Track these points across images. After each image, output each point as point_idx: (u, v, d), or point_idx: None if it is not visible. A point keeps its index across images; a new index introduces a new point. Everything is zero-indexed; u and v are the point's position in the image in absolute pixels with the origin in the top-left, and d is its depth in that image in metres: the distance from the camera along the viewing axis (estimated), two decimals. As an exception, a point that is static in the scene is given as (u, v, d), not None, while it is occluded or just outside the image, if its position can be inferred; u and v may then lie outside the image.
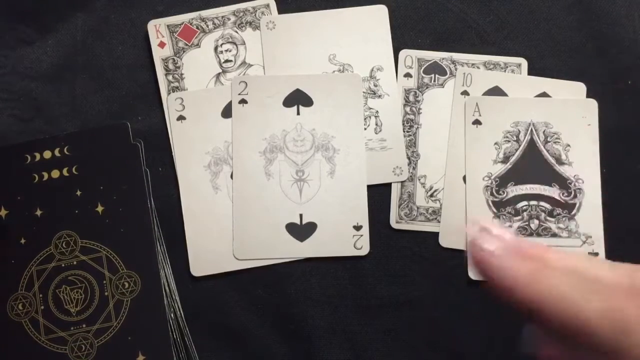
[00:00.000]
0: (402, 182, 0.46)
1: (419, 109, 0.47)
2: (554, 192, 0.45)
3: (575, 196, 0.45)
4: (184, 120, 0.46)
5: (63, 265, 0.43)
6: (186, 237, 0.45)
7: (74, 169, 0.45)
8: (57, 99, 0.47)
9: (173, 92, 0.47)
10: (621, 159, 0.46)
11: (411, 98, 0.47)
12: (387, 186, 0.46)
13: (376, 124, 0.46)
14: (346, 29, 0.47)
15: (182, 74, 0.47)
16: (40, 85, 0.47)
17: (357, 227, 0.45)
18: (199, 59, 0.47)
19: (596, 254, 0.44)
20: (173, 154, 0.46)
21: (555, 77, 0.47)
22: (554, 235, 0.45)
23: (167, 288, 0.44)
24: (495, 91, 0.47)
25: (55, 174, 0.44)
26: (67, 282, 0.43)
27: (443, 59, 0.47)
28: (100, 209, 0.44)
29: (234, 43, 0.47)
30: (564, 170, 0.46)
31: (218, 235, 0.45)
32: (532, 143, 0.46)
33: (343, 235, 0.45)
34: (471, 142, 0.46)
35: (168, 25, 0.47)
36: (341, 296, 0.45)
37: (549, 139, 0.46)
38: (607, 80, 0.47)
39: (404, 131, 0.46)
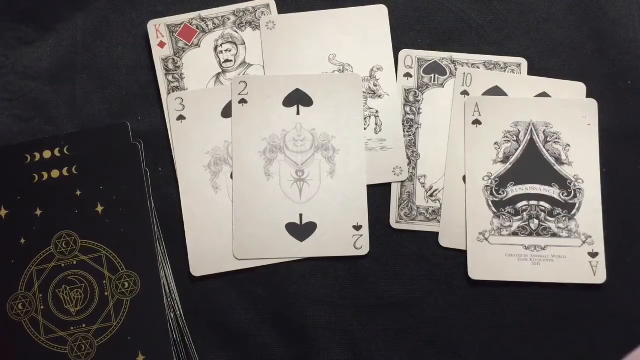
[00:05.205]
0: (402, 182, 0.46)
1: (419, 109, 0.47)
2: (554, 192, 0.45)
3: (575, 196, 0.45)
4: (184, 120, 0.46)
5: (63, 265, 0.43)
6: (186, 237, 0.45)
7: (74, 169, 0.45)
8: (57, 99, 0.47)
9: (173, 92, 0.47)
10: (621, 159, 0.46)
11: (411, 98, 0.47)
12: (387, 186, 0.46)
13: (376, 124, 0.46)
14: (346, 29, 0.47)
15: (182, 74, 0.47)
16: (40, 85, 0.47)
17: (357, 227, 0.45)
18: (199, 59, 0.47)
19: (596, 254, 0.44)
20: (173, 153, 0.46)
21: (555, 77, 0.47)
22: (554, 235, 0.45)
23: (167, 288, 0.44)
24: (495, 91, 0.47)
25: (55, 174, 0.44)
26: (67, 282, 0.43)
27: (443, 59, 0.47)
28: (100, 209, 0.44)
29: (234, 43, 0.47)
30: (564, 170, 0.46)
31: (218, 235, 0.45)
32: (532, 143, 0.46)
33: (343, 235, 0.45)
34: (471, 142, 0.46)
35: (168, 25, 0.47)
36: (341, 296, 0.45)
37: (548, 139, 0.46)
38: (607, 80, 0.47)
39: (404, 131, 0.46)
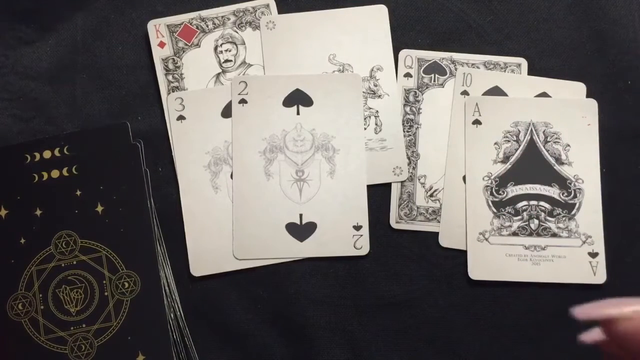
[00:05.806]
0: (402, 182, 0.46)
1: (419, 109, 0.47)
2: (554, 192, 0.45)
3: (575, 196, 0.45)
4: (184, 120, 0.46)
5: (63, 265, 0.43)
6: (186, 237, 0.45)
7: (74, 169, 0.45)
8: (57, 99, 0.47)
9: (173, 92, 0.47)
10: (621, 159, 0.46)
11: (411, 98, 0.47)
12: (387, 186, 0.46)
13: (376, 124, 0.46)
14: (346, 29, 0.47)
15: (182, 74, 0.47)
16: (40, 85, 0.47)
17: (357, 227, 0.45)
18: (198, 59, 0.47)
19: (596, 254, 0.45)
20: (173, 153, 0.46)
21: (555, 77, 0.47)
22: (554, 235, 0.45)
23: (167, 288, 0.44)
24: (495, 91, 0.47)
25: (55, 174, 0.44)
26: (67, 282, 0.43)
27: (443, 59, 0.47)
28: (100, 209, 0.44)
29: (234, 43, 0.47)
30: (564, 170, 0.46)
31: (218, 235, 0.45)
32: (532, 143, 0.46)
33: (343, 235, 0.45)
34: (471, 142, 0.46)
35: (168, 25, 0.47)
36: (341, 296, 0.45)
37: (548, 139, 0.46)
38: (607, 80, 0.47)
39: (403, 131, 0.46)
